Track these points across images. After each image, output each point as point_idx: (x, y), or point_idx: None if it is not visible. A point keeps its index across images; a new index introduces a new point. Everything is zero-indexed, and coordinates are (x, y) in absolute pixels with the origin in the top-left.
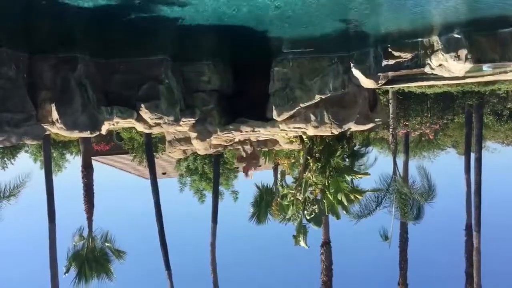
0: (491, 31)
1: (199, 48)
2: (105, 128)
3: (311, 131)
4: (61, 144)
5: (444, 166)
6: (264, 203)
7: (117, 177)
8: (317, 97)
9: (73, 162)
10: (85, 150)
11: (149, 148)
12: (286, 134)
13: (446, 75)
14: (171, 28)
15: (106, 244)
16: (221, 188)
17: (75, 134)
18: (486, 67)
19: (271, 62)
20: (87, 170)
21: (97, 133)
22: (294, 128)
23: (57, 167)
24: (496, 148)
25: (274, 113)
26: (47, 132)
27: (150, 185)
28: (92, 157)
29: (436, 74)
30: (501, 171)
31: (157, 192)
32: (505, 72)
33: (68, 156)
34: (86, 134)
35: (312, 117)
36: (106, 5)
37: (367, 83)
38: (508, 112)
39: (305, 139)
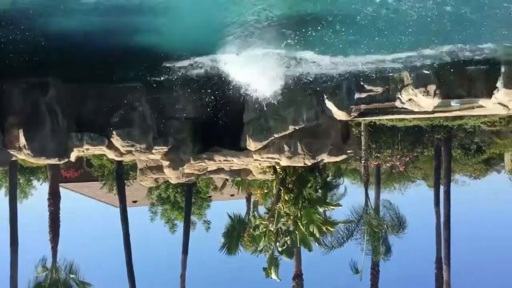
0: (459, 69)
1: (174, 75)
2: (74, 154)
3: (284, 162)
4: (28, 170)
5: (414, 198)
6: (236, 233)
7: (85, 205)
8: (291, 128)
9: (40, 189)
10: (52, 177)
11: (120, 175)
12: (260, 164)
13: (416, 109)
14: (147, 55)
15: (71, 275)
16: (193, 218)
17: (43, 161)
18: (454, 103)
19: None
20: (54, 198)
21: (66, 160)
22: (268, 158)
23: (22, 193)
24: (464, 181)
25: (248, 142)
26: (14, 158)
27: (120, 214)
28: (60, 184)
29: (406, 108)
30: (470, 204)
31: (127, 221)
32: (472, 107)
33: (35, 182)
34: (54, 160)
35: (286, 148)
36: (81, 32)
37: (340, 115)
38: (475, 146)
39: (278, 170)
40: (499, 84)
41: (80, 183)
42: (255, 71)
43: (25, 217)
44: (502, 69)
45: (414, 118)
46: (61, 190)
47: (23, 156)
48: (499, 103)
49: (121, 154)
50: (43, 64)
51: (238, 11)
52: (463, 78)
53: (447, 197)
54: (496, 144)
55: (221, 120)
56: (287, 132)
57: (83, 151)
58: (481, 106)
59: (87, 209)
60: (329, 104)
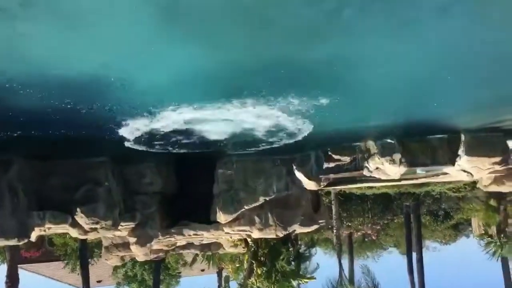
0: (422, 137)
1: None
2: (35, 234)
3: (256, 234)
4: None
5: (387, 266)
6: None
7: (46, 287)
8: (262, 199)
9: None
10: (11, 258)
11: (84, 254)
12: (231, 237)
13: (383, 177)
14: (112, 130)
15: None
16: None
17: (1, 242)
18: (419, 170)
19: (215, 163)
20: (12, 281)
21: (26, 240)
22: (239, 230)
23: None
24: (436, 247)
25: (218, 215)
26: None
27: None
28: (19, 265)
29: (374, 177)
30: (443, 270)
31: None
32: (437, 175)
33: None
34: (14, 242)
35: (257, 219)
36: (45, 108)
37: (309, 185)
38: (443, 212)
39: (250, 242)
40: (460, 151)
41: (41, 263)
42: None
43: None
44: (462, 137)
45: (382, 186)
46: (21, 272)
47: None
48: (462, 170)
49: (85, 232)
50: (4, 142)
51: None
52: (426, 147)
53: (420, 265)
54: (463, 209)
55: (190, 192)
56: (257, 204)
57: (45, 230)
58: (445, 173)
59: None
60: (299, 174)
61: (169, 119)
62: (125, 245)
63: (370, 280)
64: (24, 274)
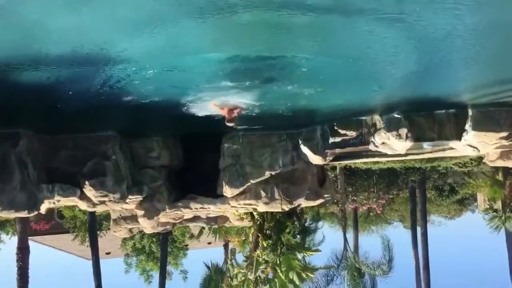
0: (429, 112)
1: (148, 123)
2: (44, 207)
3: (261, 208)
4: None
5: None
6: (214, 283)
7: (56, 258)
8: (267, 173)
9: (9, 243)
10: (22, 230)
11: (93, 226)
12: (237, 211)
13: (389, 152)
14: (120, 105)
15: None
16: (169, 268)
17: (12, 215)
18: (426, 145)
19: (222, 137)
20: (23, 252)
21: (36, 212)
22: (245, 204)
23: None
24: (441, 222)
25: (225, 189)
26: None
27: (92, 267)
28: (30, 237)
29: (380, 151)
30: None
31: (99, 275)
32: (443, 150)
33: (3, 236)
34: (24, 214)
35: (263, 194)
36: (53, 82)
37: (315, 159)
38: (449, 187)
39: (256, 216)
40: (467, 126)
41: (51, 235)
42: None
43: None
44: (470, 112)
45: (388, 161)
46: (31, 243)
47: None
48: (469, 145)
49: (94, 204)
50: (14, 116)
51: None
52: (433, 121)
53: (424, 239)
54: (469, 184)
55: (197, 166)
56: (263, 178)
57: (54, 203)
58: (451, 148)
59: (58, 262)
60: (304, 149)
61: None
62: (133, 218)
63: (388, 254)
64: (35, 245)
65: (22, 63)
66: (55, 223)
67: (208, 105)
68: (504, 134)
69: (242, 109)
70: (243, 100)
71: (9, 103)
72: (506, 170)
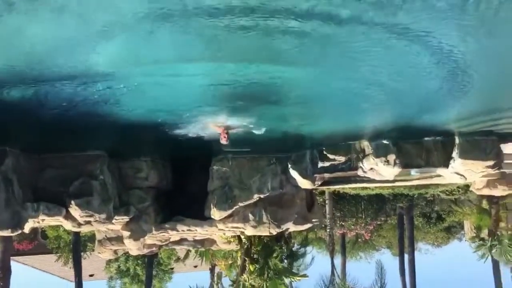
0: (417, 140)
1: (137, 144)
2: (29, 226)
3: (249, 231)
4: None
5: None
6: None
7: (39, 279)
8: (256, 197)
9: None
10: (4, 249)
11: (77, 247)
12: (224, 234)
13: (377, 178)
14: (108, 125)
15: None
16: None
17: None
18: (413, 172)
19: (211, 159)
20: (4, 273)
21: (19, 231)
22: (232, 227)
23: None
24: (428, 249)
25: (213, 211)
26: None
27: None
28: (12, 257)
29: (368, 177)
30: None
31: None
32: (431, 177)
33: None
34: (7, 232)
35: (251, 217)
36: (42, 101)
37: (304, 183)
38: (436, 214)
39: (243, 239)
40: (454, 154)
41: (34, 256)
42: None
43: None
44: (457, 140)
45: (376, 187)
46: (13, 263)
47: None
48: (456, 173)
49: (79, 224)
50: (0, 133)
51: None
52: (421, 149)
53: (412, 266)
54: (456, 212)
55: (186, 187)
56: (252, 201)
57: (39, 222)
58: (439, 176)
59: (40, 284)
60: (293, 173)
61: None
62: (119, 239)
63: (380, 279)
64: (17, 266)
65: (6, 82)
66: (38, 243)
67: (202, 124)
68: (490, 163)
69: (236, 128)
70: (235, 122)
71: None
72: (492, 199)
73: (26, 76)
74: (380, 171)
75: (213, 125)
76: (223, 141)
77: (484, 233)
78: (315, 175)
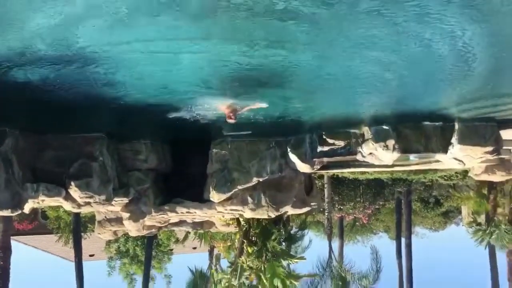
0: (416, 124)
1: (137, 126)
2: (28, 206)
3: (248, 214)
4: None
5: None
6: None
7: (38, 259)
8: (255, 180)
9: None
10: (4, 229)
11: (77, 228)
12: (223, 216)
13: (376, 163)
14: (109, 107)
15: None
16: (153, 272)
17: None
18: (412, 157)
19: (210, 142)
20: (5, 252)
21: (19, 211)
22: (231, 210)
23: None
24: (425, 234)
25: (212, 194)
26: None
27: (75, 269)
28: (12, 237)
29: (367, 162)
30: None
31: (82, 277)
32: (429, 162)
33: None
34: (7, 212)
35: (250, 200)
36: (42, 81)
37: (303, 167)
38: (434, 199)
39: (242, 222)
40: (453, 140)
41: (34, 236)
42: None
43: None
44: (456, 126)
45: (375, 171)
46: (13, 243)
47: None
48: (454, 158)
49: (79, 205)
50: (0, 114)
51: None
52: (420, 134)
53: (409, 250)
54: (454, 197)
55: (185, 170)
56: (250, 184)
57: (39, 203)
58: (437, 161)
59: (40, 263)
60: (293, 157)
61: None
62: (118, 220)
63: (376, 264)
64: (17, 245)
65: (6, 61)
66: (38, 224)
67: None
68: (489, 148)
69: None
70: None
71: None
72: (490, 185)
73: (27, 55)
74: (379, 156)
75: (219, 105)
76: (231, 120)
77: (481, 219)
78: (314, 159)
